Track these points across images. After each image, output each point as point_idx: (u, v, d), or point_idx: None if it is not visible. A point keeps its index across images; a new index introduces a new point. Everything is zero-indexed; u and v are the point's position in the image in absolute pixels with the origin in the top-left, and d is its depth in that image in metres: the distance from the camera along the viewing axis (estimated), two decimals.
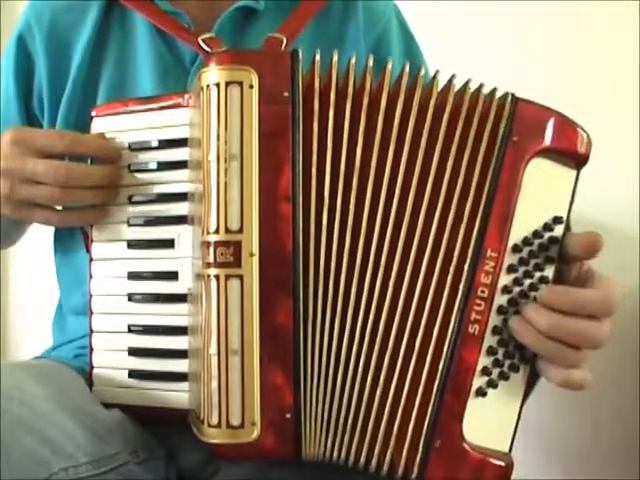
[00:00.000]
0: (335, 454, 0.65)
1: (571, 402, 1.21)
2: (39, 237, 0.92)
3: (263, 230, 0.63)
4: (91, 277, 0.75)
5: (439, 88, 0.66)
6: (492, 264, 0.64)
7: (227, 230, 0.63)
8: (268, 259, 0.63)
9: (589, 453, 1.22)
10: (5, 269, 1.80)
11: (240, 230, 0.63)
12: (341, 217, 0.64)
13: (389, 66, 0.66)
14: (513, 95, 0.65)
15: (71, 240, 0.86)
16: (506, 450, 0.66)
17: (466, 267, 0.64)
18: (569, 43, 1.23)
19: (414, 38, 0.95)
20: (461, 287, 0.64)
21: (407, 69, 0.66)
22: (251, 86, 0.63)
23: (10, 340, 1.80)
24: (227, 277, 0.63)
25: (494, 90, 0.66)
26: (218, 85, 0.64)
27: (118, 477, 0.65)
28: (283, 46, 0.80)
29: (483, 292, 0.64)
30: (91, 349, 0.75)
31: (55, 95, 0.86)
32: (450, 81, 0.66)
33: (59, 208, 0.76)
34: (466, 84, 0.66)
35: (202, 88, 0.65)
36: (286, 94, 0.64)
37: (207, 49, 0.78)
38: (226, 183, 0.63)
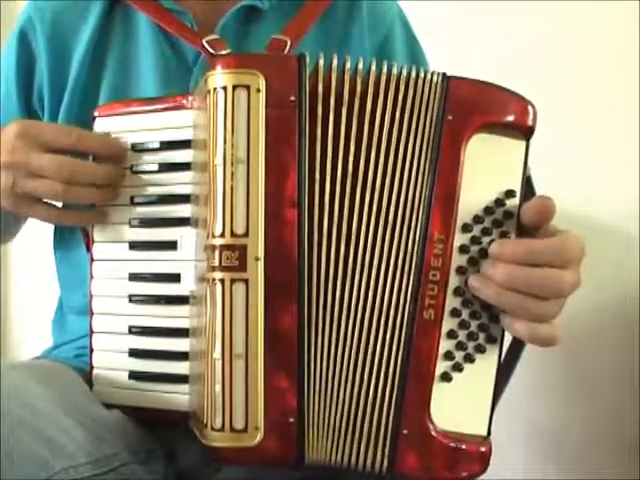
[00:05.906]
0: (334, 458, 0.65)
1: (572, 402, 1.21)
2: (39, 236, 0.91)
3: (269, 234, 0.63)
4: (92, 277, 0.75)
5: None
6: (441, 246, 0.63)
7: (233, 234, 0.63)
8: (273, 263, 0.63)
9: (589, 453, 1.22)
10: (5, 269, 1.78)
11: (246, 234, 0.63)
12: (338, 222, 0.65)
13: (373, 67, 0.66)
14: (444, 74, 0.65)
15: (71, 238, 0.86)
16: (483, 433, 0.65)
17: (414, 253, 0.64)
18: (570, 42, 1.23)
19: (417, 39, 0.95)
20: (412, 274, 0.64)
21: (373, 67, 0.65)
22: (258, 90, 0.63)
23: (10, 340, 1.79)
24: (232, 281, 0.63)
25: (433, 73, 0.65)
26: (225, 89, 0.63)
27: (118, 477, 0.65)
28: (287, 48, 0.79)
29: (435, 276, 0.63)
30: (91, 350, 0.75)
31: (56, 92, 0.85)
32: (410, 74, 0.65)
33: (59, 206, 0.76)
34: (418, 73, 0.65)
35: (209, 91, 0.64)
36: (293, 98, 0.64)
37: (211, 51, 0.77)
38: (232, 187, 0.63)
